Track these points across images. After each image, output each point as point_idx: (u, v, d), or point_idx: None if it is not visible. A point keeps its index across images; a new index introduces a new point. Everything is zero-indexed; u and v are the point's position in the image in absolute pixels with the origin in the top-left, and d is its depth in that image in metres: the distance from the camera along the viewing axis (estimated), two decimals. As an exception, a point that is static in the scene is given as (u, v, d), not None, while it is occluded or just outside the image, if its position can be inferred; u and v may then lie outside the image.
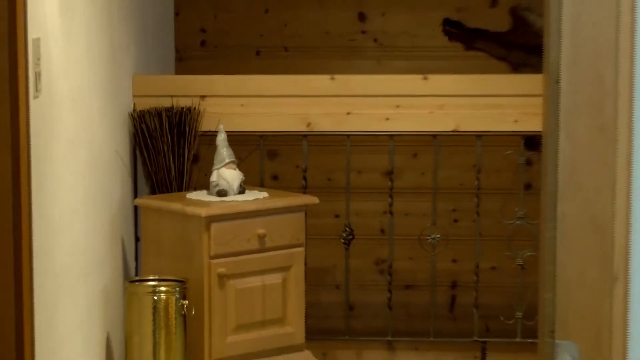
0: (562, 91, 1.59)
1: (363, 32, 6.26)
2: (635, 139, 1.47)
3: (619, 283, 1.46)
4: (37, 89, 3.94)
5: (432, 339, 5.98)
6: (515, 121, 5.64)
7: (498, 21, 6.17)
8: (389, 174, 6.06)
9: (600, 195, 1.52)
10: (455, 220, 6.18)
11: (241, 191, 5.43)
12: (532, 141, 5.70)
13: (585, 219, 1.57)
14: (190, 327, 5.11)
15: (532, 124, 4.98)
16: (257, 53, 6.27)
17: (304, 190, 5.88)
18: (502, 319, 5.86)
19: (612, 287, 1.47)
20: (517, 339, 5.75)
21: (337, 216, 6.12)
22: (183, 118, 5.66)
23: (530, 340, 5.22)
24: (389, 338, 5.97)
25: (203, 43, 6.32)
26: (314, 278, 5.83)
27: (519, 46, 6.08)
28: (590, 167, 1.56)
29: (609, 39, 1.49)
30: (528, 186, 5.79)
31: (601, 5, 1.51)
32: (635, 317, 1.45)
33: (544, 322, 1.65)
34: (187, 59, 6.31)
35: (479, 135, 5.81)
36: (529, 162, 5.83)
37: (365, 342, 6.03)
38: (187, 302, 5.05)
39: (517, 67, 6.05)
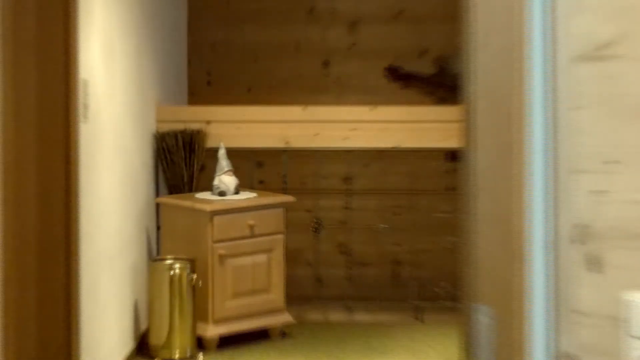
0: (476, 118, 1.60)
1: (327, 75, 6.25)
2: (526, 154, 1.47)
3: (517, 260, 1.46)
4: (85, 116, 3.94)
5: (380, 302, 5.99)
6: (441, 140, 5.65)
7: (426, 67, 6.16)
8: (348, 179, 6.07)
9: (503, 195, 1.52)
10: (397, 214, 6.16)
11: (236, 192, 5.42)
12: (454, 155, 5.71)
13: (493, 213, 1.57)
14: (198, 295, 5.08)
15: (453, 142, 4.98)
16: (249, 90, 6.24)
17: (284, 191, 5.87)
18: (434, 289, 5.87)
19: (512, 263, 1.47)
20: (445, 303, 5.76)
21: (308, 211, 6.10)
22: (193, 138, 5.65)
23: (455, 304, 5.21)
24: (347, 302, 5.97)
25: (208, 82, 6.29)
26: (291, 257, 5.80)
27: (442, 85, 6.08)
28: (496, 174, 1.55)
29: (508, 80, 1.50)
30: (452, 188, 5.79)
31: (502, 54, 1.52)
32: (531, 287, 1.45)
33: (465, 290, 1.65)
34: (196, 94, 6.28)
35: (414, 150, 5.82)
36: (452, 170, 5.83)
37: (329, 306, 6.01)
38: (195, 275, 5.03)
39: (440, 101, 6.05)
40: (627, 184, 1.38)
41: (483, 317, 1.53)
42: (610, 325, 1.37)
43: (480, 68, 1.58)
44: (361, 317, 5.86)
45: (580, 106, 1.42)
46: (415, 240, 6.04)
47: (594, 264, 1.38)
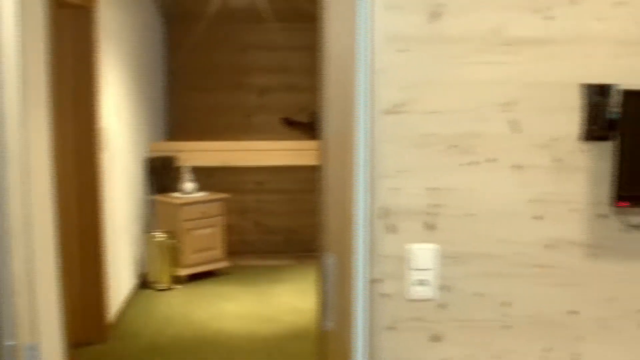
0: (328, 147, 1.58)
1: (249, 123, 6.21)
2: (355, 167, 1.46)
3: (349, 228, 1.45)
4: (105, 148, 3.85)
5: (279, 254, 5.96)
6: (311, 160, 5.68)
7: (304, 118, 6.18)
8: (260, 183, 6.04)
9: (342, 191, 1.50)
10: (289, 204, 6.16)
11: (196, 192, 5.34)
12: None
13: (336, 201, 1.55)
14: (175, 252, 4.99)
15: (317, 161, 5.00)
16: (203, 132, 6.16)
17: (224, 191, 5.81)
18: (310, 246, 5.89)
19: (346, 229, 1.46)
20: (314, 254, 5.76)
21: (238, 202, 6.05)
22: (170, 161, 5.55)
23: (318, 253, 5.23)
24: (261, 254, 5.93)
25: (179, 127, 6.18)
26: (227, 229, 5.74)
27: (313, 128, 6.11)
28: (338, 179, 1.54)
29: (345, 125, 1.49)
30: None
31: (342, 109, 1.51)
32: (357, 242, 1.44)
33: (321, 245, 1.62)
34: (173, 134, 6.16)
35: (298, 166, 5.83)
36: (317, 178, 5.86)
37: (250, 256, 5.97)
38: (174, 241, 4.95)
39: (311, 137, 6.07)
40: (409, 184, 1.39)
41: (330, 260, 1.53)
42: (400, 262, 1.39)
43: (331, 118, 1.55)
44: (268, 262, 5.81)
45: (385, 140, 1.41)
46: (299, 218, 6.03)
47: (391, 229, 1.39)
